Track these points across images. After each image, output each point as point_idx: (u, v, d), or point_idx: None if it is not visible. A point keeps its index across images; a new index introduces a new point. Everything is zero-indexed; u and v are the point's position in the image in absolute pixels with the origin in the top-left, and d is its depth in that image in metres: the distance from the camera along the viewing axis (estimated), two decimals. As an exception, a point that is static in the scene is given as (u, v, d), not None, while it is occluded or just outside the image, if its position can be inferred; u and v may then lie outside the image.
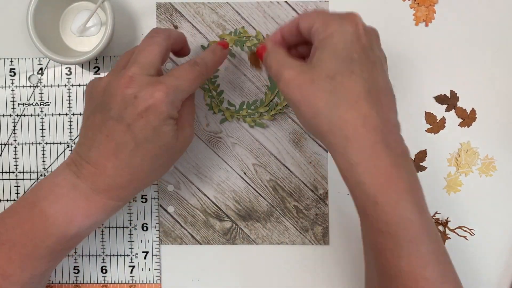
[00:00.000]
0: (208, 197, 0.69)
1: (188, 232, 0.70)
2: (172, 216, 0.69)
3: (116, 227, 0.69)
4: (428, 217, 0.52)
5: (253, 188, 0.69)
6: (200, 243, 0.70)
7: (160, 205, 0.69)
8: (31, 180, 0.69)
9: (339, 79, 0.51)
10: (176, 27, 0.69)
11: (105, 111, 0.55)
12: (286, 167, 0.69)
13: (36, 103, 0.69)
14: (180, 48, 0.63)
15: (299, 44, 0.59)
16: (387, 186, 0.50)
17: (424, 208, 0.52)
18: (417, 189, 0.52)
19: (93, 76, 0.69)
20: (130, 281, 0.70)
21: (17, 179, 0.69)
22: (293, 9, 0.68)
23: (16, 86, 0.69)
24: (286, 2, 0.68)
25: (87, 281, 0.70)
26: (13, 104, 0.69)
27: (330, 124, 0.51)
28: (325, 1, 0.68)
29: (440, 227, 0.69)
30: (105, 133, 0.55)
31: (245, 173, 0.69)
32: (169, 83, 0.54)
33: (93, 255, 0.70)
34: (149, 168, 0.56)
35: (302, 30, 0.55)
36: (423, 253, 0.51)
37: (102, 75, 0.69)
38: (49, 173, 0.69)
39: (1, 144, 0.69)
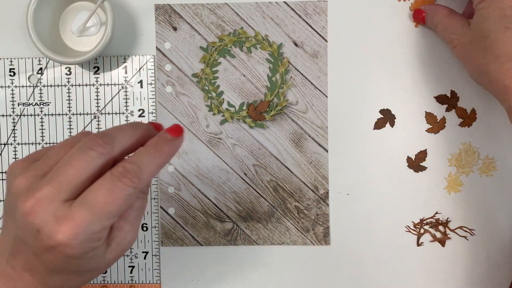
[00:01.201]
0: (208, 198, 0.69)
1: (189, 234, 0.70)
2: (172, 218, 0.69)
3: (116, 227, 0.69)
4: None
5: (254, 189, 0.69)
6: (201, 245, 0.70)
7: (161, 207, 0.69)
8: (31, 180, 0.69)
9: (493, 36, 0.56)
10: (175, 28, 0.69)
11: (14, 225, 0.46)
12: (287, 168, 0.69)
13: (36, 103, 0.69)
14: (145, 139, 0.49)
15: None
16: None
17: None
18: None
19: (93, 76, 0.69)
20: (130, 281, 0.70)
21: (16, 179, 0.69)
22: (292, 9, 0.68)
23: (15, 86, 0.69)
24: (285, 2, 0.68)
25: (87, 281, 0.70)
26: (13, 104, 0.69)
27: (489, 76, 0.57)
28: (324, 1, 0.68)
29: (441, 227, 0.69)
30: (15, 250, 0.46)
31: (245, 174, 0.69)
32: (79, 219, 0.43)
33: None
34: (77, 283, 0.48)
35: None
36: None
37: (101, 75, 0.69)
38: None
39: (0, 144, 0.69)
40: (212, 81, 0.69)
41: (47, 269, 0.45)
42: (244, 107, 0.69)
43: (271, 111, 0.68)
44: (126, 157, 0.47)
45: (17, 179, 0.46)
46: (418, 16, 0.67)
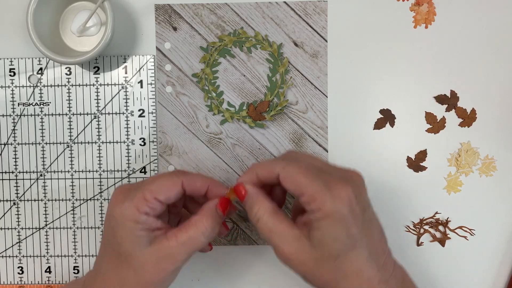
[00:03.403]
0: (209, 198, 0.69)
1: (189, 233, 0.70)
2: (172, 217, 0.69)
3: (116, 227, 0.69)
4: None
5: (254, 189, 0.69)
6: (201, 244, 0.70)
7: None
8: (31, 180, 0.69)
9: (343, 257, 0.52)
10: (175, 28, 0.69)
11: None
12: (287, 167, 0.69)
13: (36, 103, 0.69)
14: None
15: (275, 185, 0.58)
16: None
17: None
18: None
19: (93, 76, 0.69)
20: (130, 281, 0.70)
21: (16, 179, 0.69)
22: (292, 9, 0.68)
23: (16, 86, 0.69)
24: (285, 2, 0.68)
25: (87, 281, 0.70)
26: (13, 104, 0.69)
27: None
28: (324, 1, 0.68)
29: (440, 227, 0.69)
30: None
31: (245, 174, 0.69)
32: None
33: (92, 255, 0.70)
34: None
35: (286, 189, 0.54)
36: None
37: (101, 75, 0.69)
38: (48, 173, 0.69)
39: (0, 144, 0.69)
40: (212, 81, 0.69)
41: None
42: (244, 107, 0.69)
43: (271, 111, 0.68)
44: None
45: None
46: (238, 192, 0.56)
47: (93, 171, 0.69)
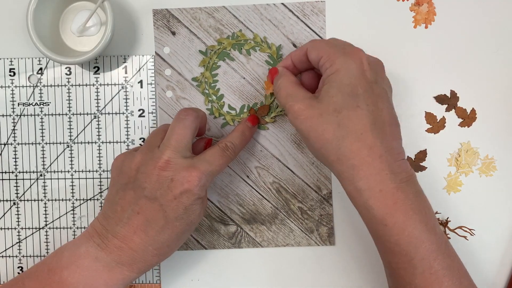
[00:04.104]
0: (212, 202, 0.69)
1: (193, 238, 0.69)
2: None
3: (116, 227, 0.69)
4: (439, 234, 0.55)
5: (257, 191, 0.69)
6: (206, 248, 0.70)
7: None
8: (31, 180, 0.69)
9: (345, 113, 0.55)
10: (173, 33, 0.69)
11: (139, 189, 0.58)
12: (289, 169, 0.69)
13: (36, 103, 0.69)
14: (201, 127, 0.65)
15: (310, 68, 0.63)
16: (394, 209, 0.54)
17: (434, 226, 0.55)
18: (425, 209, 0.56)
19: (93, 76, 0.69)
20: (130, 281, 0.70)
21: (16, 179, 0.69)
22: (290, 10, 0.68)
23: (15, 86, 0.69)
24: (282, 3, 0.68)
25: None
26: (13, 104, 0.69)
27: (337, 154, 0.55)
28: (321, 1, 0.68)
29: (440, 227, 0.69)
30: (137, 210, 0.58)
31: (248, 176, 0.69)
32: (203, 169, 0.58)
33: (93, 255, 0.70)
34: (173, 243, 0.60)
35: (310, 60, 0.60)
36: (437, 269, 0.54)
37: (101, 75, 0.69)
38: (48, 173, 0.69)
39: (0, 144, 0.69)
40: (212, 84, 0.69)
41: (167, 219, 0.57)
42: (245, 110, 0.69)
43: (272, 112, 0.68)
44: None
45: (135, 158, 0.60)
46: (271, 75, 0.64)
47: (93, 171, 0.69)
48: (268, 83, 0.66)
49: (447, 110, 0.69)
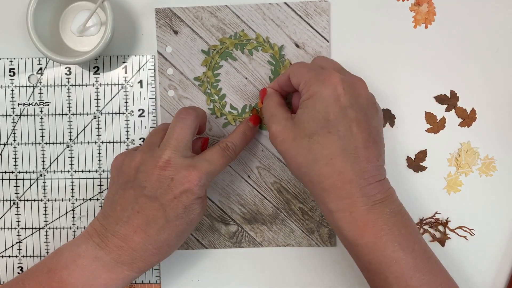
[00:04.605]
0: (213, 201, 0.69)
1: (194, 237, 0.70)
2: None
3: (116, 228, 0.69)
4: (417, 250, 0.56)
5: (258, 191, 0.69)
6: (206, 248, 0.70)
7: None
8: (31, 180, 0.69)
9: (315, 138, 0.56)
10: (176, 32, 0.68)
11: (139, 188, 0.58)
12: (290, 169, 0.69)
13: (36, 103, 0.69)
14: (201, 126, 0.65)
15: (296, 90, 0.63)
16: (364, 230, 0.55)
17: (411, 243, 0.55)
18: (402, 227, 0.56)
19: (93, 76, 0.68)
20: (131, 281, 0.70)
21: (16, 179, 0.69)
22: (293, 10, 0.68)
23: (15, 86, 0.69)
24: (285, 3, 0.68)
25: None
26: (13, 104, 0.69)
27: (309, 177, 0.57)
28: (325, 1, 0.68)
29: (440, 227, 0.69)
30: (137, 209, 0.58)
31: (249, 176, 0.69)
32: (203, 168, 0.58)
33: (93, 256, 0.70)
34: (173, 243, 0.60)
35: (293, 85, 0.61)
36: (415, 286, 0.54)
37: (101, 75, 0.69)
38: (48, 173, 0.69)
39: (0, 144, 0.69)
40: (214, 84, 0.69)
41: (167, 218, 0.57)
42: (247, 110, 0.69)
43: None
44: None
45: (134, 157, 0.60)
46: (262, 95, 0.66)
47: (93, 171, 0.69)
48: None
49: (447, 110, 0.69)
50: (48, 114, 0.69)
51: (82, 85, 0.69)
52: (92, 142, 0.69)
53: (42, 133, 0.69)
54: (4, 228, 0.70)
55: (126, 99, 0.69)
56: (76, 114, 0.69)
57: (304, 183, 0.58)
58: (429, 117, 0.69)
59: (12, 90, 0.69)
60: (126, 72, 0.69)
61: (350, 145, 0.56)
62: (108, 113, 0.69)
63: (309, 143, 0.56)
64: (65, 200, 0.69)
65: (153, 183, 0.58)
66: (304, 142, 0.56)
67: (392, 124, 0.69)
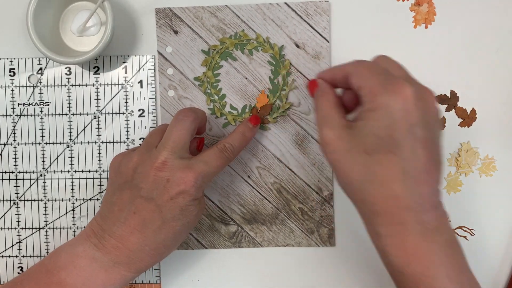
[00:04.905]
0: (212, 201, 0.69)
1: (194, 237, 0.70)
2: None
3: (116, 228, 0.69)
4: (465, 284, 0.51)
5: (258, 191, 0.69)
6: (206, 248, 0.70)
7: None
8: (31, 180, 0.69)
9: (376, 157, 0.50)
10: (176, 32, 0.68)
11: (136, 189, 0.58)
12: (290, 169, 0.69)
13: (36, 103, 0.69)
14: (201, 127, 0.65)
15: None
16: (413, 260, 0.50)
17: (460, 277, 0.51)
18: (452, 261, 0.51)
19: (93, 76, 0.68)
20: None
21: (16, 179, 0.69)
22: (293, 10, 0.68)
23: (15, 86, 0.69)
24: (285, 3, 0.68)
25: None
26: (13, 104, 0.69)
27: (361, 196, 0.52)
28: (325, 1, 0.68)
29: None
30: (133, 210, 0.58)
31: (249, 177, 0.69)
32: (199, 170, 0.58)
33: (93, 256, 0.70)
34: (171, 243, 0.60)
35: (351, 85, 0.54)
36: None
37: (101, 75, 0.69)
38: (48, 173, 0.69)
39: (0, 144, 0.69)
40: (214, 84, 0.69)
41: (163, 219, 0.57)
42: (247, 110, 0.69)
43: (274, 113, 0.68)
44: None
45: (132, 158, 0.60)
46: (311, 88, 0.59)
47: (93, 171, 0.69)
48: (261, 96, 0.66)
49: (447, 110, 0.69)
50: (48, 114, 0.69)
51: (82, 85, 0.69)
52: (92, 142, 0.69)
53: (42, 133, 0.69)
54: (4, 228, 0.70)
55: (126, 99, 0.69)
56: (76, 114, 0.69)
57: (353, 200, 0.54)
58: (429, 117, 0.69)
59: (12, 90, 0.69)
60: (126, 72, 0.69)
61: (411, 167, 0.50)
62: (108, 113, 0.69)
63: (367, 161, 0.50)
64: (65, 200, 0.69)
65: (149, 184, 0.58)
66: (360, 158, 0.51)
67: (392, 124, 0.69)
